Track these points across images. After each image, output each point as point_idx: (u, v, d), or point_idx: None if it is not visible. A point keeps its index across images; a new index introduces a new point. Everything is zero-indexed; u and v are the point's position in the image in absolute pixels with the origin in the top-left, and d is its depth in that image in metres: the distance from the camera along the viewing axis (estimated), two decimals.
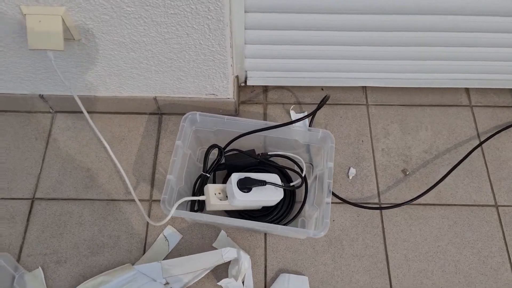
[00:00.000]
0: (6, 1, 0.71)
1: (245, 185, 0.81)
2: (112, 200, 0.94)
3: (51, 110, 1.04)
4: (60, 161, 0.98)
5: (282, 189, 0.86)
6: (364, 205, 0.92)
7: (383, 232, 0.92)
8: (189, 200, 0.87)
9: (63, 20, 0.73)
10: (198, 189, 0.87)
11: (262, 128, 0.87)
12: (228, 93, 0.97)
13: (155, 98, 0.99)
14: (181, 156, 0.86)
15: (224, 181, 0.94)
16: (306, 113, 1.05)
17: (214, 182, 0.93)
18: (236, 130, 0.89)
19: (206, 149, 0.86)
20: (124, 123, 1.04)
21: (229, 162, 0.90)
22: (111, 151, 0.87)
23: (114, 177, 0.96)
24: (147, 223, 0.92)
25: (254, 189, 0.82)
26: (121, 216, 0.92)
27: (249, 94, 1.08)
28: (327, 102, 0.96)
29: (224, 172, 0.95)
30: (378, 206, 0.94)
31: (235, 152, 0.91)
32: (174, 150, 0.85)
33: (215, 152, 0.86)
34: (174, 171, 0.82)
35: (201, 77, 0.91)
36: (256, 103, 1.07)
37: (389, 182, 0.98)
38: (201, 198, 0.83)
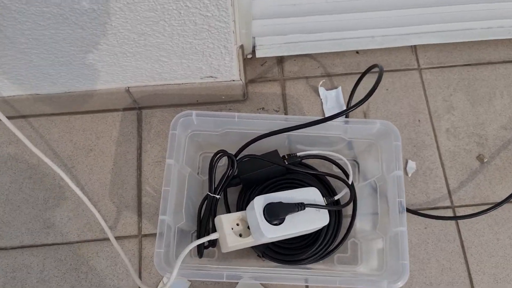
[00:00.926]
0: None
1: (275, 214, 0.54)
2: (84, 241, 0.67)
3: None
4: (2, 192, 0.69)
5: (326, 211, 0.59)
6: (432, 212, 0.67)
7: (462, 247, 0.68)
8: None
9: None
10: (206, 217, 0.60)
11: (291, 127, 0.59)
12: (232, 73, 0.67)
13: (127, 90, 0.69)
14: (177, 180, 0.58)
15: (241, 196, 0.66)
16: (339, 89, 0.76)
17: (226, 203, 0.66)
18: (252, 130, 0.61)
19: (210, 157, 0.58)
20: (90, 126, 0.74)
21: (246, 175, 0.63)
22: (66, 177, 0.59)
23: (84, 207, 0.69)
24: (139, 268, 0.66)
25: (288, 217, 0.56)
26: (100, 264, 0.66)
27: (258, 69, 0.78)
28: (372, 71, 0.67)
29: (238, 187, 0.68)
30: (452, 214, 0.70)
31: (251, 157, 0.63)
32: (166, 174, 0.57)
33: (223, 160, 0.59)
34: (169, 207, 0.55)
35: (192, 55, 0.61)
36: (270, 80, 0.77)
37: (461, 175, 0.72)
38: (212, 237, 0.57)
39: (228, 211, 0.65)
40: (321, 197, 0.59)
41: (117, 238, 0.66)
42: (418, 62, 0.79)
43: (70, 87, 0.67)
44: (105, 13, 0.50)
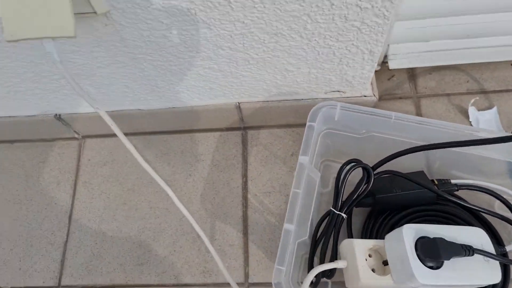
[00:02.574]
0: None
1: (434, 254, 0.40)
2: (185, 286, 0.56)
3: (76, 136, 0.67)
4: (95, 220, 0.61)
5: (498, 263, 0.43)
6: None
7: None
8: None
9: None
10: (326, 238, 0.46)
11: (472, 141, 0.44)
12: (365, 86, 0.55)
13: (237, 106, 0.59)
14: (306, 184, 0.46)
15: (370, 221, 0.52)
16: (495, 109, 0.60)
17: (349, 226, 0.52)
18: (405, 139, 0.48)
19: (333, 165, 0.47)
20: (189, 147, 0.65)
21: (383, 195, 0.49)
22: (175, 198, 0.49)
23: (182, 243, 0.58)
24: None
25: (447, 262, 0.40)
26: None
27: (385, 84, 0.65)
28: None
29: (363, 209, 0.54)
30: None
31: (392, 174, 0.49)
32: (297, 173, 0.45)
33: (354, 173, 0.46)
34: (295, 214, 0.43)
35: (325, 62, 0.50)
36: (400, 98, 0.64)
37: None
38: (339, 265, 0.44)
39: (350, 236, 0.51)
40: (491, 243, 0.43)
41: (217, 285, 0.54)
42: None
43: (175, 102, 0.59)
44: (241, 7, 0.40)
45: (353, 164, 0.47)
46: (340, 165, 0.46)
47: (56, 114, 0.61)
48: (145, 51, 0.47)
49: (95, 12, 0.39)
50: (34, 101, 0.57)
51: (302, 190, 0.46)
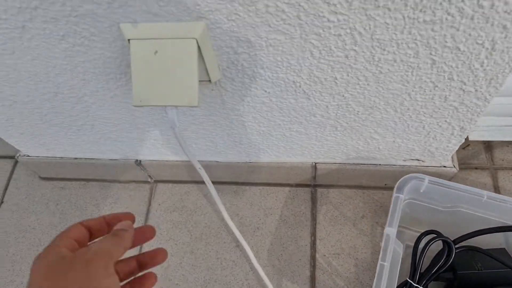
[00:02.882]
0: (102, 14, 0.36)
1: None
2: None
3: (149, 180, 0.70)
4: (162, 265, 0.62)
5: None
6: None
7: None
8: None
9: (198, 47, 0.36)
10: None
11: None
12: (446, 157, 0.55)
13: (313, 165, 0.60)
14: (391, 258, 0.45)
15: None
16: None
17: None
18: (493, 217, 0.48)
19: (408, 234, 0.46)
20: (258, 200, 0.66)
21: (465, 272, 0.48)
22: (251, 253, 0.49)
23: None
24: None
25: None
26: None
27: (460, 153, 0.65)
28: None
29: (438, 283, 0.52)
30: None
31: (473, 250, 0.48)
32: (384, 245, 0.45)
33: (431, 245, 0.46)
34: None
35: (413, 134, 0.50)
36: (476, 168, 0.63)
37: None
38: None
39: None
40: None
41: None
42: None
43: (253, 157, 0.60)
44: (345, 83, 0.42)
45: (434, 236, 0.46)
46: (415, 233, 0.46)
47: (136, 160, 0.64)
48: (241, 113, 0.49)
49: (209, 81, 0.42)
50: (121, 146, 0.61)
51: (387, 261, 0.45)
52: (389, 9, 0.33)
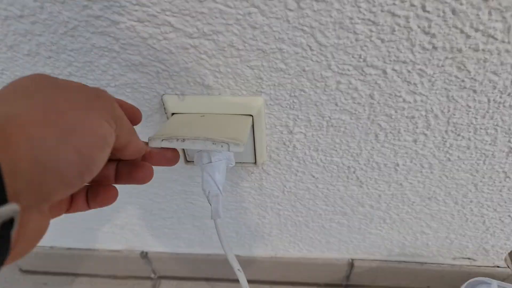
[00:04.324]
0: (146, 85, 0.32)
1: None
2: None
3: (152, 276, 0.60)
4: None
5: None
6: None
7: None
8: None
9: (253, 125, 0.32)
10: None
11: None
12: (500, 257, 0.49)
13: (350, 262, 0.52)
14: None
15: None
16: None
17: None
18: None
19: None
20: None
21: None
22: None
23: None
24: None
25: None
26: None
27: None
28: None
29: None
30: None
31: None
32: None
33: None
34: None
35: (470, 230, 0.45)
36: None
37: None
38: None
39: None
40: None
41: None
42: None
43: (281, 251, 0.52)
44: (406, 170, 0.37)
45: None
46: None
47: (142, 252, 0.55)
48: (279, 201, 0.43)
49: (255, 163, 0.36)
50: (125, 235, 0.52)
51: None
52: (474, 91, 0.30)
